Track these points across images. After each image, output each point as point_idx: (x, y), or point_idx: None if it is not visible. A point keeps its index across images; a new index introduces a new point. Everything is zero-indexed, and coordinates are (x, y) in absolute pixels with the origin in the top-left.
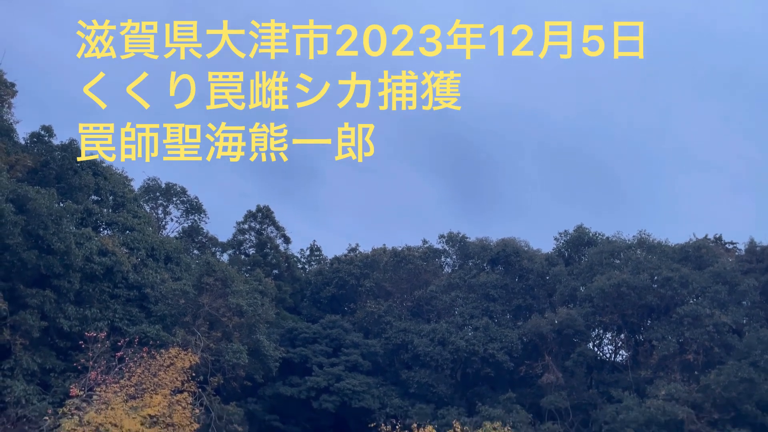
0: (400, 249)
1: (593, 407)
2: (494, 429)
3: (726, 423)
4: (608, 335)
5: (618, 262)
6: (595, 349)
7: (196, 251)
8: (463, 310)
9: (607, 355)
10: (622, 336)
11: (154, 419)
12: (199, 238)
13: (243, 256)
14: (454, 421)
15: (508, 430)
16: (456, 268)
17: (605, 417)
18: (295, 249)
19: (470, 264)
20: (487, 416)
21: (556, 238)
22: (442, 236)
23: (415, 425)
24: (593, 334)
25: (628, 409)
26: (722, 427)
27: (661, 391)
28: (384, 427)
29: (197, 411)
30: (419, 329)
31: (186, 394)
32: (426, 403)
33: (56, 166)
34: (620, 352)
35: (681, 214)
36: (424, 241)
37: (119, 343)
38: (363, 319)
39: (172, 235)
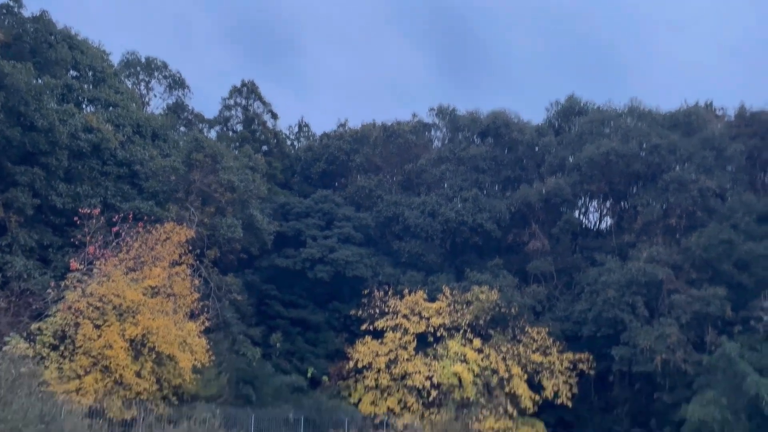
0: (389, 124)
1: (577, 271)
2: (482, 293)
3: (704, 282)
4: (594, 203)
5: (608, 131)
6: (581, 217)
7: (182, 128)
8: (452, 183)
9: (592, 223)
10: (608, 203)
11: (155, 290)
12: (185, 114)
13: (231, 133)
14: (443, 286)
15: (495, 293)
16: (446, 141)
17: (588, 279)
18: (282, 126)
19: (460, 137)
20: (475, 281)
21: (546, 109)
22: (432, 110)
23: (406, 291)
24: (580, 202)
25: (610, 271)
26: (700, 285)
27: (643, 254)
28: (377, 294)
29: (196, 282)
30: (410, 202)
31: (184, 266)
32: (417, 271)
33: (30, 39)
34: (605, 219)
35: (674, 82)
36: (414, 116)
37: (114, 219)
38: (354, 194)
39: (156, 112)
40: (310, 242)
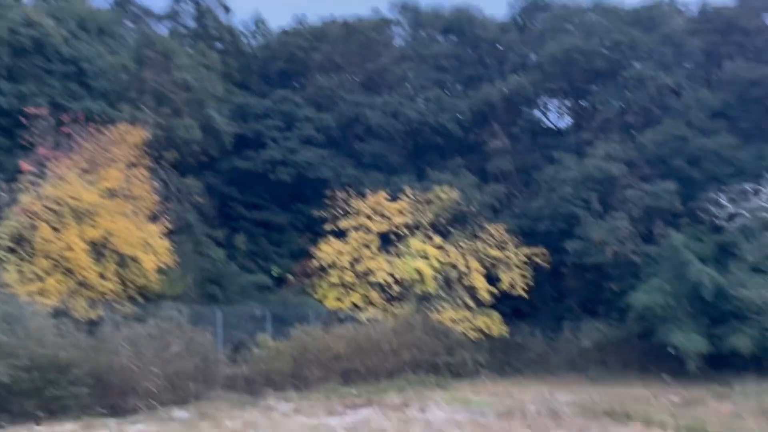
0: (350, 21)
1: (535, 169)
2: (443, 192)
3: (656, 177)
4: (554, 102)
5: (571, 27)
6: (541, 116)
7: (130, 24)
8: (414, 82)
9: (552, 122)
10: (568, 102)
11: (113, 192)
12: (131, 8)
13: (182, 29)
14: (405, 187)
15: (456, 192)
16: (408, 39)
17: (545, 177)
18: (238, 23)
19: (423, 34)
20: (436, 181)
21: (510, 4)
22: (394, 5)
23: (368, 191)
24: (540, 101)
25: (568, 168)
26: (652, 181)
27: (600, 152)
28: (340, 195)
29: (155, 184)
30: (371, 102)
31: (141, 168)
32: (379, 172)
33: None
34: (564, 118)
35: None
36: (375, 11)
37: (63, 120)
38: (314, 94)
39: (101, 7)
40: (271, 144)
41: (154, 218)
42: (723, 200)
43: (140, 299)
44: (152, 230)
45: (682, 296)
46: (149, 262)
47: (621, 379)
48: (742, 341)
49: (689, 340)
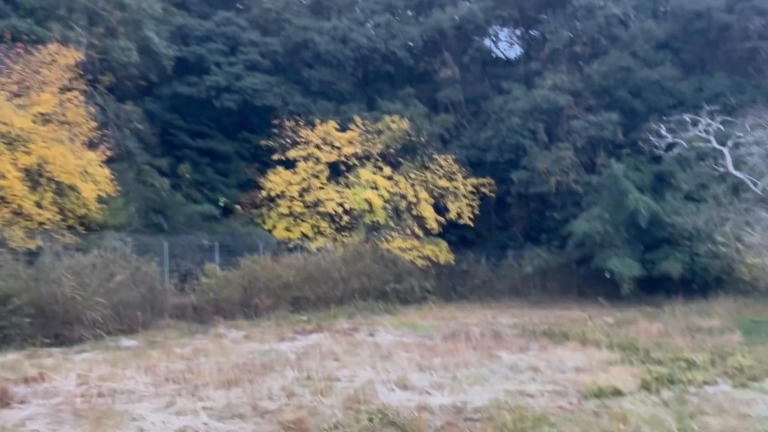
0: None
1: (484, 99)
2: (393, 122)
3: (600, 108)
4: (505, 31)
5: None
6: (492, 45)
7: None
8: (364, 7)
9: (502, 52)
10: (518, 32)
11: (46, 117)
12: None
13: None
14: (355, 116)
15: (406, 122)
16: None
17: (494, 107)
18: None
19: None
20: (386, 111)
21: None
22: None
23: (317, 121)
24: (491, 30)
25: (516, 99)
26: (596, 112)
27: (548, 82)
28: (288, 123)
29: (92, 109)
30: (319, 27)
31: (76, 92)
32: (328, 101)
33: None
34: (514, 48)
35: None
36: None
37: None
38: (259, 17)
39: None
40: (215, 69)
41: (91, 145)
42: (663, 131)
43: (81, 229)
44: (90, 158)
45: (619, 224)
46: (89, 191)
47: (560, 302)
48: (672, 266)
49: (624, 265)
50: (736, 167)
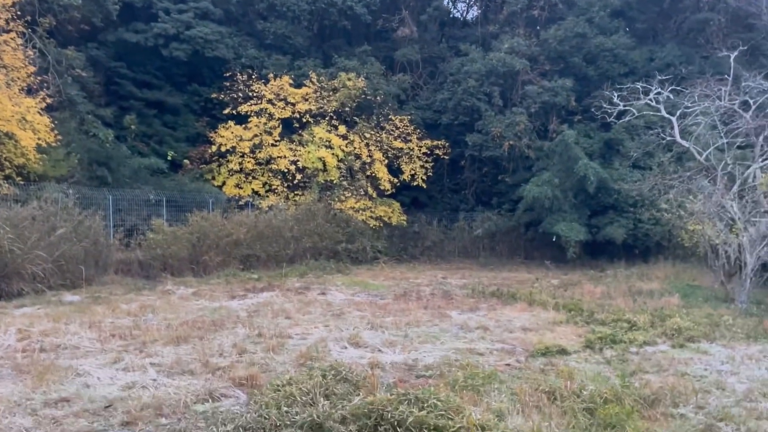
0: None
1: (442, 60)
2: (349, 80)
3: (555, 74)
4: None
5: None
6: (450, 5)
7: None
8: None
9: (461, 12)
10: None
11: None
12: None
13: None
14: (310, 72)
15: (362, 80)
16: None
17: (451, 69)
18: None
19: None
20: (342, 68)
21: None
22: None
23: (271, 75)
24: None
25: (473, 61)
26: (551, 77)
27: (505, 45)
28: (240, 77)
29: (30, 53)
30: None
31: (13, 34)
32: (282, 55)
33: None
34: (473, 9)
35: None
36: None
37: None
38: None
39: None
40: (163, 16)
41: (30, 92)
42: (615, 98)
43: (19, 180)
44: (29, 104)
45: (568, 189)
46: (27, 140)
47: (508, 264)
48: (617, 231)
49: (571, 230)
50: (682, 136)
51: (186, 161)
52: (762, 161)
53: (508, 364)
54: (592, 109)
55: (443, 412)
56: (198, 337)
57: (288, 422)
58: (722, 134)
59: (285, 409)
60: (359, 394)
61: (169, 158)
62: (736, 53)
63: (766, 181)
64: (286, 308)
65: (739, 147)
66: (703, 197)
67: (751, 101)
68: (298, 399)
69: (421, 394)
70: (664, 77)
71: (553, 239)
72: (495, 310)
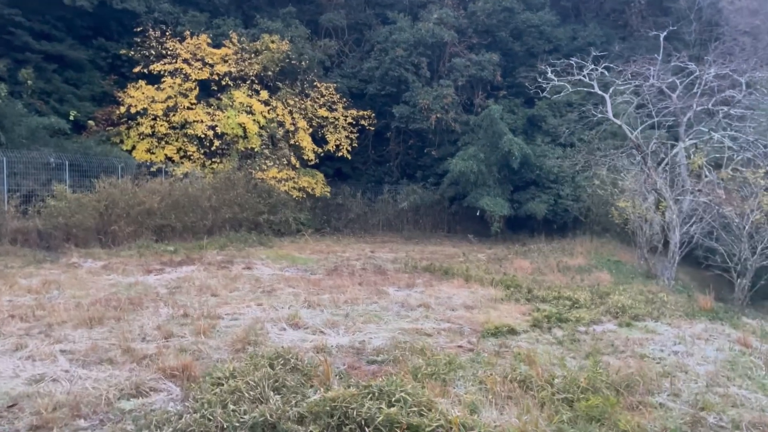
0: None
1: (368, 27)
2: (272, 42)
3: (482, 48)
4: None
5: None
6: None
7: None
8: None
9: None
10: None
11: None
12: None
13: None
14: (230, 32)
15: (286, 43)
16: None
17: (378, 37)
18: None
19: None
20: (265, 29)
21: None
22: None
23: (188, 33)
24: None
25: (401, 30)
26: (478, 51)
27: (433, 15)
28: (152, 33)
29: None
30: None
31: None
32: (200, 11)
33: None
34: None
35: None
36: None
37: None
38: None
39: None
40: None
41: None
42: (549, 73)
43: None
44: None
45: (493, 164)
46: None
47: (432, 238)
48: (538, 206)
49: (496, 205)
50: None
51: (91, 122)
52: (689, 141)
53: (460, 346)
54: (526, 84)
55: (414, 408)
56: (114, 318)
57: (236, 423)
58: (653, 113)
59: (231, 407)
60: (312, 386)
61: (71, 118)
62: (665, 33)
63: (698, 160)
64: (210, 284)
65: (671, 126)
66: (634, 174)
67: (678, 81)
68: (246, 394)
69: (386, 386)
70: (586, 56)
71: (477, 213)
72: (432, 287)
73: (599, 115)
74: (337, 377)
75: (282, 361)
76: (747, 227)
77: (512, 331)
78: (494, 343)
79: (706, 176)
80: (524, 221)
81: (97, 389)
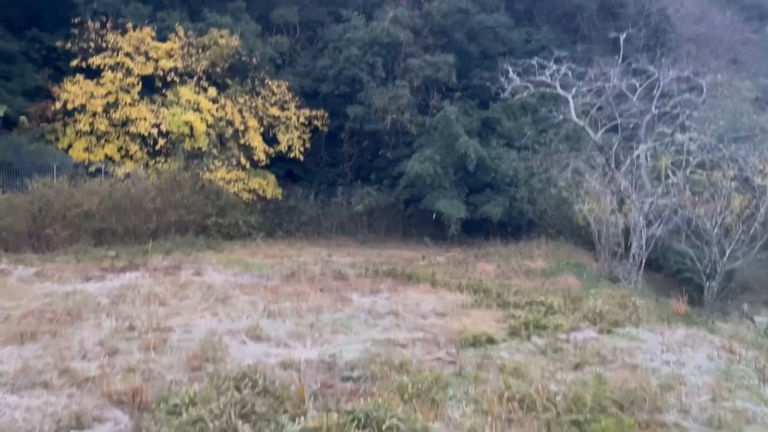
0: None
1: (321, 25)
2: (221, 37)
3: (437, 48)
4: None
5: None
6: None
7: None
8: None
9: None
10: None
11: None
12: None
13: None
14: (177, 25)
15: (236, 39)
16: None
17: (332, 35)
18: None
19: None
20: (214, 24)
21: None
22: None
23: (130, 25)
24: None
25: (355, 29)
26: (433, 51)
27: (388, 15)
28: (91, 24)
29: None
30: None
31: None
32: (143, 3)
33: None
34: None
35: None
36: None
37: None
38: None
39: None
40: None
41: None
42: (511, 73)
43: None
44: None
45: (449, 166)
46: None
47: (387, 241)
48: (493, 209)
49: (452, 207)
50: (566, 116)
51: (23, 118)
52: (650, 142)
53: (439, 358)
54: (488, 84)
55: None
56: (49, 332)
57: None
58: (615, 115)
59: None
60: (286, 411)
61: (1, 114)
62: (624, 35)
63: (665, 161)
64: (157, 292)
65: (632, 129)
66: (596, 177)
67: (637, 84)
68: (209, 425)
69: (373, 410)
70: (541, 59)
71: (434, 216)
72: (397, 292)
73: (561, 117)
74: (311, 398)
75: (248, 383)
76: (716, 230)
77: (491, 341)
78: (475, 354)
79: (667, 177)
80: (480, 224)
81: (29, 420)
